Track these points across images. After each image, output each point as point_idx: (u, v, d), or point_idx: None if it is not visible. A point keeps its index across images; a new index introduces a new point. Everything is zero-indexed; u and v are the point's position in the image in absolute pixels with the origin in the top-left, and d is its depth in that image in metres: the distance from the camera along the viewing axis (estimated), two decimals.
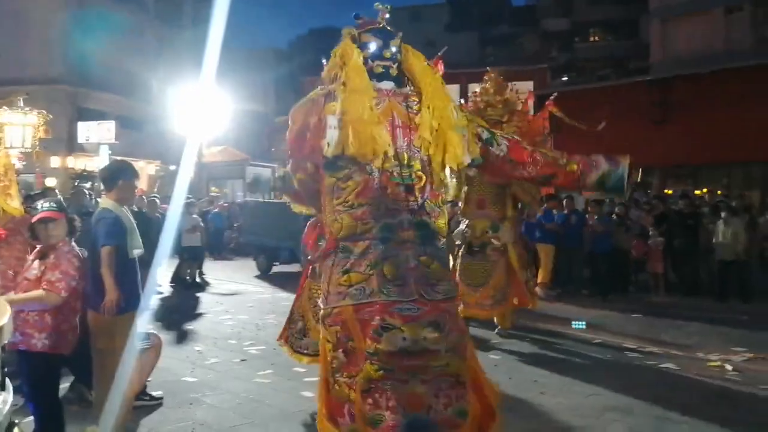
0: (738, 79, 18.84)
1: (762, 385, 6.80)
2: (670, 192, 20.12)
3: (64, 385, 5.67)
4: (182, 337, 8.99)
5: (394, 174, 3.51)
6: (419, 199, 3.54)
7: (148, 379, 6.16)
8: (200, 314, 10.89)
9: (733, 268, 12.38)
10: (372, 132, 3.47)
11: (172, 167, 30.96)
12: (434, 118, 3.63)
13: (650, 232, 13.18)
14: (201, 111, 23.16)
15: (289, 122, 3.77)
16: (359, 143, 3.44)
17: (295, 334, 5.94)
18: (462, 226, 9.05)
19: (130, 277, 5.10)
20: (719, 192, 19.04)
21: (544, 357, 8.09)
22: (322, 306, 3.61)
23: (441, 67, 6.74)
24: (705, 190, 20.48)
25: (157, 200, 13.66)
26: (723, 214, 12.52)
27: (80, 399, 5.70)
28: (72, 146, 29.14)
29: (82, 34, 30.27)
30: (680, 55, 25.33)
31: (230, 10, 8.45)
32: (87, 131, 28.91)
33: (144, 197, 13.67)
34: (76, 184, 23.53)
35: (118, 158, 22.62)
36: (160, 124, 31.07)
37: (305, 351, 5.88)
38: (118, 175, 5.21)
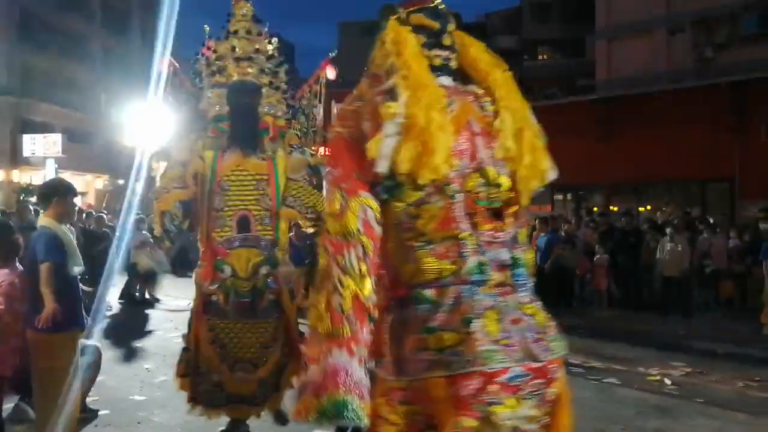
0: (679, 99, 19.44)
1: (698, 397, 7.05)
2: (615, 209, 20.60)
3: (8, 405, 5.61)
4: (131, 354, 8.91)
5: (480, 196, 2.75)
6: (512, 228, 2.80)
7: (95, 398, 6.13)
8: (149, 331, 10.79)
9: (675, 283, 12.74)
10: (445, 142, 2.71)
11: (121, 181, 30.54)
12: (516, 122, 2.95)
13: (596, 249, 13.51)
14: (151, 123, 22.92)
15: (337, 128, 2.96)
16: (427, 157, 2.66)
17: (211, 389, 4.85)
18: None
19: (71, 295, 5.05)
20: (663, 209, 19.60)
21: None
22: (384, 376, 2.75)
23: (331, 72, 6.37)
24: (648, 207, 21.05)
25: (105, 216, 13.51)
26: (668, 231, 12.91)
27: (23, 419, 5.63)
28: (16, 159, 28.54)
29: (25, 44, 29.78)
30: (625, 75, 25.99)
31: (179, 20, 8.44)
32: (32, 144, 28.30)
33: (93, 212, 13.50)
34: (21, 198, 23.01)
35: (61, 173, 22.32)
36: (108, 137, 30.65)
37: (227, 406, 4.90)
38: (52, 193, 5.17)
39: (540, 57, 43.49)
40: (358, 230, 2.62)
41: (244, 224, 4.72)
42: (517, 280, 2.73)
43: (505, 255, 2.72)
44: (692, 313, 12.58)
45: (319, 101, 6.00)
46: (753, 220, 15.00)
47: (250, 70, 4.98)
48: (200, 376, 4.82)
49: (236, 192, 4.73)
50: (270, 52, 5.13)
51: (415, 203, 2.69)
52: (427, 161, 2.64)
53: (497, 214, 2.76)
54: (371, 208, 2.66)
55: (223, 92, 5.02)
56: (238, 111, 4.88)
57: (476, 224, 2.71)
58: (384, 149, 2.65)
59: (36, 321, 4.74)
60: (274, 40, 5.20)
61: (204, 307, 4.80)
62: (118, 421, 6.01)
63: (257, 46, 5.01)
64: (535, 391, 2.61)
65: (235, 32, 4.99)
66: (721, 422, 6.26)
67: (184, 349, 5.09)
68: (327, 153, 3.46)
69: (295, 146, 5.09)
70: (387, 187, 2.71)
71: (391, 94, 2.74)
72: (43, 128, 29.62)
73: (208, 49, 5.11)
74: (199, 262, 5.09)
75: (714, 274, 13.43)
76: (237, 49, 4.94)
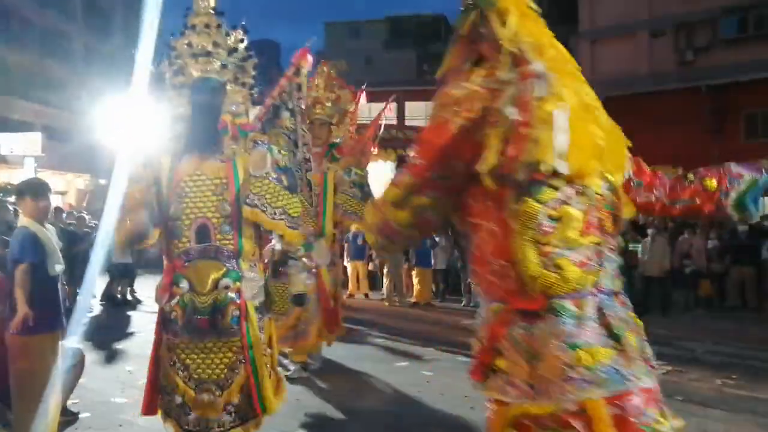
0: (660, 102, 19.62)
1: (678, 395, 7.09)
2: None
3: None
4: (112, 356, 8.84)
5: (606, 199, 2.61)
6: (618, 231, 2.70)
7: (75, 400, 6.07)
8: (131, 333, 10.71)
9: (655, 283, 12.89)
10: (598, 139, 2.53)
11: (103, 181, 30.28)
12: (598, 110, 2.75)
13: None
14: (133, 123, 22.72)
15: (442, 113, 2.64)
16: (589, 155, 2.46)
17: (176, 409, 4.44)
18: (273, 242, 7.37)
19: (50, 296, 5.01)
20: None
21: None
22: (510, 399, 2.53)
23: (309, 62, 6.32)
24: None
25: (86, 216, 13.39)
26: (650, 231, 13.06)
27: (3, 421, 5.57)
28: None
29: (4, 40, 29.48)
30: (607, 76, 26.18)
31: (163, 19, 8.39)
32: (10, 142, 27.97)
33: (74, 212, 13.38)
34: None
35: (41, 173, 22.09)
36: (89, 136, 30.37)
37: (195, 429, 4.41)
38: (25, 193, 5.14)
39: None
40: (409, 225, 2.70)
41: (203, 234, 4.28)
42: (623, 287, 2.66)
43: (616, 260, 2.62)
44: (671, 313, 12.72)
45: (301, 93, 5.64)
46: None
47: (209, 67, 4.56)
48: (167, 394, 4.45)
49: (193, 199, 4.29)
50: (232, 45, 4.69)
51: (552, 202, 2.45)
52: (589, 160, 2.46)
53: (615, 217, 2.64)
54: (431, 209, 2.65)
55: (187, 93, 4.61)
56: (195, 110, 4.49)
57: (605, 229, 2.56)
58: (559, 145, 2.39)
59: (9, 326, 4.70)
60: (238, 31, 4.69)
61: (162, 324, 4.37)
62: (98, 424, 5.96)
63: (216, 40, 4.58)
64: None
65: (193, 27, 4.56)
66: (700, 419, 6.30)
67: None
68: (418, 138, 2.90)
69: (259, 142, 4.60)
70: (529, 184, 2.44)
71: (541, 81, 2.50)
72: (23, 126, 29.30)
73: (170, 47, 4.69)
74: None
75: (693, 274, 13.58)
76: (193, 45, 4.53)
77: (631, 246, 13.24)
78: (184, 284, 4.20)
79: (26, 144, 27.37)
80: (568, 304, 2.43)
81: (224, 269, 4.24)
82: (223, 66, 4.60)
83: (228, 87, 4.57)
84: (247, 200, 4.32)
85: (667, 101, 19.51)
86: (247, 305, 4.31)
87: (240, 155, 4.43)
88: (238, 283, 4.26)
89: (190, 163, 4.34)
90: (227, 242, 4.29)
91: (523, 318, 2.49)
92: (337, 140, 7.90)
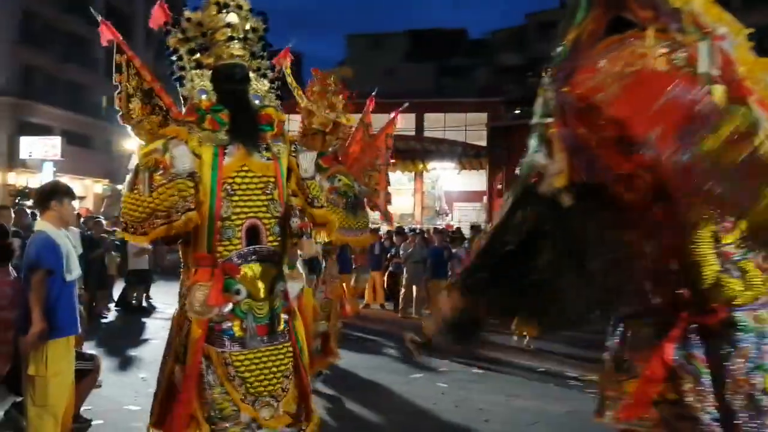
0: None
1: None
2: None
3: None
4: (126, 363, 8.81)
5: None
6: None
7: (88, 407, 6.04)
8: (145, 340, 10.69)
9: None
10: None
11: (120, 187, 30.40)
12: None
13: None
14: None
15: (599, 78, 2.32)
16: None
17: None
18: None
19: (66, 301, 4.96)
20: None
21: (489, 385, 8.16)
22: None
23: (288, 61, 6.22)
24: None
25: (103, 221, 13.42)
26: None
27: (15, 427, 5.55)
28: (13, 161, 28.43)
29: (27, 45, 29.77)
30: None
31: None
32: (30, 146, 28.19)
33: (92, 217, 13.44)
34: (16, 201, 22.92)
35: (59, 177, 22.25)
36: (109, 142, 30.59)
37: None
38: (49, 197, 5.08)
39: (544, 74, 43.56)
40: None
41: (253, 235, 3.95)
42: None
43: None
44: None
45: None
46: None
47: (240, 53, 4.17)
48: (220, 421, 3.83)
49: (242, 197, 3.94)
50: (261, 33, 4.33)
51: None
52: None
53: None
54: None
55: (205, 75, 4.18)
56: (234, 101, 4.08)
57: None
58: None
59: (25, 338, 4.64)
60: (259, 20, 4.31)
61: (209, 338, 3.83)
62: None
63: (252, 25, 4.21)
64: None
65: (225, 5, 4.11)
66: None
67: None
68: (572, 95, 2.58)
69: (297, 145, 4.35)
70: None
71: (732, 43, 2.20)
72: (43, 130, 29.57)
73: (188, 20, 4.23)
74: (182, 281, 4.14)
75: None
76: (231, 25, 4.09)
77: None
78: (241, 291, 3.83)
79: (46, 148, 27.61)
80: (745, 317, 2.15)
81: (276, 273, 4.01)
82: (252, 55, 4.27)
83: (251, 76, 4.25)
84: (314, 202, 4.18)
85: None
86: (294, 308, 4.14)
87: (284, 155, 4.17)
88: (285, 286, 4.05)
89: (235, 158, 3.97)
90: (277, 244, 4.04)
91: (700, 334, 2.18)
92: (330, 149, 7.67)
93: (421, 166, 30.00)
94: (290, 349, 4.03)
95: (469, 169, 30.00)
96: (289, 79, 5.53)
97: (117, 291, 13.72)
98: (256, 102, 4.20)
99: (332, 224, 4.35)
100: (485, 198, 29.88)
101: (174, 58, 4.22)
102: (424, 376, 8.49)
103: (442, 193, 31.04)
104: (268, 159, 4.08)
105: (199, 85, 4.11)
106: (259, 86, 4.29)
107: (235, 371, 3.83)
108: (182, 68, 4.21)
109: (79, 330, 5.19)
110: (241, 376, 3.83)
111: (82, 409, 5.85)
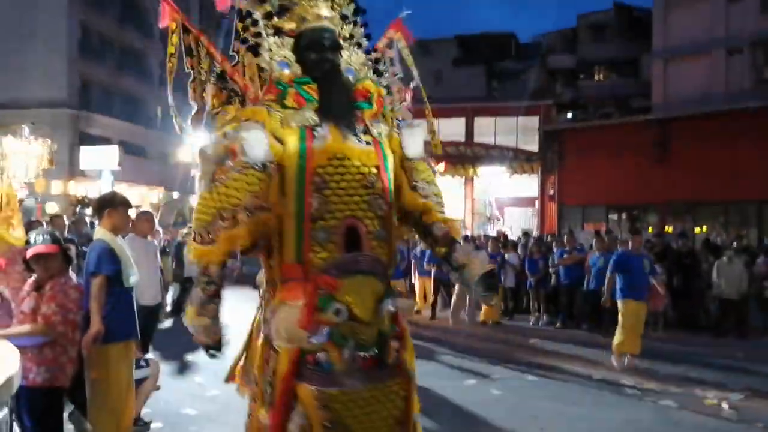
0: (736, 120, 19.09)
1: (758, 422, 6.82)
2: (669, 229, 20.21)
3: (63, 414, 5.67)
4: (182, 368, 8.98)
5: None
6: None
7: (147, 410, 6.17)
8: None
9: (732, 306, 12.45)
10: None
11: (176, 194, 31.04)
12: None
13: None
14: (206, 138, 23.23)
15: None
16: None
17: None
18: None
19: (125, 306, 5.09)
20: (718, 230, 19.19)
21: (544, 393, 8.07)
22: None
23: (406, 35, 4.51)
24: (704, 228, 20.60)
25: (159, 229, 13.68)
26: (728, 253, 12.68)
27: (79, 429, 5.69)
28: (73, 171, 29.25)
29: (85, 58, 30.60)
30: (681, 95, 25.57)
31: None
32: (89, 156, 28.96)
33: None
34: (77, 210, 23.56)
35: (117, 186, 22.75)
36: (164, 150, 31.19)
37: None
38: (104, 205, 5.25)
39: (596, 77, 43.03)
40: None
41: (352, 240, 3.14)
42: None
43: None
44: (748, 336, 12.28)
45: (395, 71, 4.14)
46: None
47: (328, 14, 3.41)
48: None
49: (337, 191, 3.13)
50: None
51: None
52: None
53: None
54: None
55: (286, 43, 3.41)
56: (323, 72, 3.29)
57: None
58: None
59: (83, 341, 4.75)
60: None
61: (300, 371, 3.01)
62: None
63: None
64: None
65: None
66: None
67: None
68: None
69: (401, 120, 3.58)
70: None
71: None
72: (101, 141, 30.36)
73: None
74: (265, 301, 3.41)
75: None
76: None
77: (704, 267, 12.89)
78: (341, 311, 3.00)
79: (104, 158, 28.29)
80: None
81: (383, 288, 3.15)
82: (343, 17, 3.55)
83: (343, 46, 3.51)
84: (419, 189, 3.39)
85: (743, 121, 18.94)
86: (406, 333, 3.32)
87: (387, 136, 3.42)
88: (396, 305, 3.19)
89: (328, 143, 3.18)
90: (382, 251, 3.23)
91: None
92: None
93: (471, 171, 29.87)
94: (404, 388, 3.16)
95: (521, 174, 29.75)
96: (409, 60, 4.35)
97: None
98: (350, 76, 3.45)
99: (455, 227, 3.44)
100: (537, 203, 29.61)
101: (247, 22, 3.45)
102: (478, 383, 8.45)
103: (492, 199, 30.83)
104: (368, 143, 3.29)
105: (279, 55, 3.36)
106: (353, 58, 3.53)
107: (333, 417, 2.96)
108: (257, 35, 3.40)
109: (138, 334, 5.32)
110: (342, 422, 2.96)
111: (142, 411, 5.99)
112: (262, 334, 3.32)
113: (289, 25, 3.39)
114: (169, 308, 13.79)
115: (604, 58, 41.14)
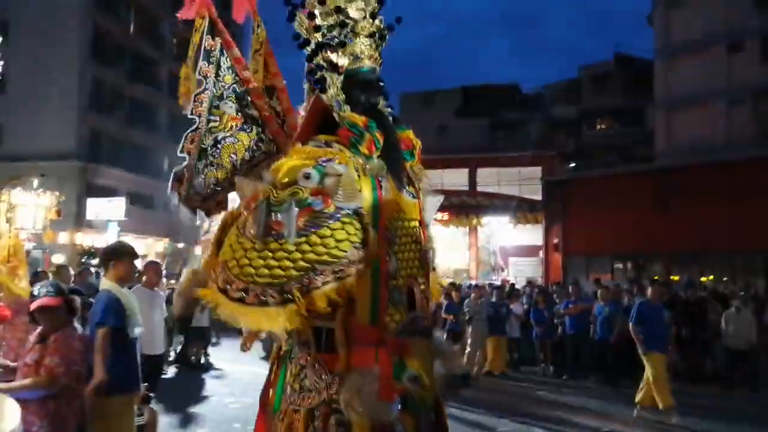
0: (739, 170, 19.17)
1: None
2: (676, 278, 20.13)
3: None
4: (186, 420, 8.88)
5: None
6: None
7: None
8: (205, 397, 10.77)
9: (742, 357, 12.31)
10: None
11: (181, 245, 31.12)
12: None
13: None
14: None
15: None
16: None
17: None
18: None
19: (129, 358, 5.08)
20: (725, 279, 19.13)
21: None
22: None
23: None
24: (711, 277, 20.51)
25: (164, 280, 13.69)
26: (735, 303, 12.58)
27: None
28: (80, 222, 29.43)
29: (95, 110, 31.06)
30: (684, 145, 25.75)
31: None
32: (96, 207, 29.18)
33: None
34: (82, 261, 23.64)
35: (123, 237, 22.84)
36: (170, 202, 31.36)
37: None
38: (110, 257, 5.28)
39: (599, 127, 43.38)
40: None
41: (410, 301, 2.93)
42: None
43: None
44: (759, 388, 12.09)
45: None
46: None
47: (375, 54, 3.13)
48: None
49: (401, 248, 2.92)
50: (387, 33, 3.20)
51: None
52: None
53: None
54: None
55: (335, 80, 3.06)
56: (378, 118, 3.01)
57: None
58: None
59: (86, 391, 4.72)
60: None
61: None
62: None
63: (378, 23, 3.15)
64: None
65: None
66: None
67: None
68: None
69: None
70: None
71: None
72: (108, 192, 30.63)
73: (321, 2, 3.07)
74: (297, 366, 2.91)
75: None
76: (374, 16, 3.09)
77: (712, 317, 12.80)
78: (416, 378, 2.76)
79: (111, 209, 28.53)
80: None
81: (434, 349, 2.96)
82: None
83: None
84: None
85: (746, 169, 19.04)
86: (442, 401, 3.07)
87: (424, 194, 3.21)
88: (441, 368, 2.96)
89: (391, 195, 2.94)
90: (428, 310, 3.07)
91: None
92: None
93: (475, 220, 29.91)
94: None
95: (525, 224, 29.76)
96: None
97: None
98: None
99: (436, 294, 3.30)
100: (541, 252, 29.57)
101: (307, 50, 3.11)
102: None
103: (497, 248, 30.79)
104: (413, 197, 3.09)
105: (336, 94, 3.04)
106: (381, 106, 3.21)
107: None
108: (320, 68, 3.06)
109: (141, 388, 5.30)
110: None
111: None
112: (300, 408, 2.85)
113: (342, 61, 3.04)
114: (172, 358, 13.73)
115: (606, 108, 41.52)
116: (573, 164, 37.72)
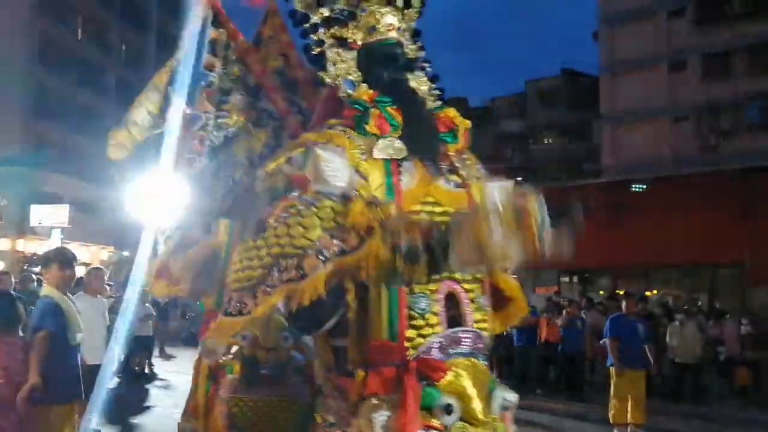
0: (685, 185, 19.62)
1: None
2: (621, 292, 20.46)
3: None
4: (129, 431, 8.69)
5: None
6: None
7: None
8: (148, 407, 10.55)
9: (688, 370, 12.48)
10: None
11: (126, 253, 30.48)
12: None
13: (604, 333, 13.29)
14: (161, 197, 23.00)
15: None
16: None
17: None
18: None
19: (68, 366, 4.94)
20: (672, 293, 19.50)
21: None
22: None
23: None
24: (655, 291, 20.90)
25: (108, 287, 13.38)
26: (678, 317, 12.75)
27: None
28: (23, 228, 28.66)
29: (39, 117, 30.42)
30: (630, 160, 26.27)
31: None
32: (40, 214, 28.48)
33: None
34: (24, 268, 23.02)
35: (67, 244, 22.35)
36: (116, 209, 30.77)
37: None
38: (50, 261, 5.19)
39: (546, 141, 43.93)
40: None
41: (452, 309, 2.43)
42: None
43: None
44: (705, 401, 12.29)
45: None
46: (764, 306, 14.90)
47: (400, 25, 2.75)
48: None
49: None
50: (420, 6, 2.83)
51: None
52: None
53: None
54: None
55: (345, 58, 2.76)
56: (400, 95, 2.62)
57: None
58: None
59: (17, 397, 4.56)
60: None
61: None
62: None
63: None
64: None
65: None
66: None
67: None
68: None
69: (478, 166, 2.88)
70: None
71: None
72: (53, 199, 29.88)
73: None
74: (335, 400, 2.46)
75: (728, 361, 13.19)
76: None
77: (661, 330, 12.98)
78: (454, 408, 2.24)
79: (55, 216, 27.88)
80: None
81: (490, 376, 2.49)
82: (414, 35, 2.87)
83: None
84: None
85: (691, 185, 19.52)
86: None
87: (474, 181, 2.74)
88: (507, 397, 2.49)
89: (417, 181, 2.52)
90: (484, 324, 2.50)
91: None
92: None
93: None
94: None
95: None
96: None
97: None
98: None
99: (520, 302, 2.81)
100: None
101: (306, 26, 2.85)
102: None
103: None
104: (457, 186, 2.64)
105: (343, 71, 2.73)
106: (419, 83, 2.82)
107: None
108: (320, 43, 2.79)
109: (82, 396, 5.12)
110: None
111: None
112: None
113: (354, 36, 2.74)
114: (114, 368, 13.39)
115: (553, 122, 42.07)
116: (519, 178, 38.10)
